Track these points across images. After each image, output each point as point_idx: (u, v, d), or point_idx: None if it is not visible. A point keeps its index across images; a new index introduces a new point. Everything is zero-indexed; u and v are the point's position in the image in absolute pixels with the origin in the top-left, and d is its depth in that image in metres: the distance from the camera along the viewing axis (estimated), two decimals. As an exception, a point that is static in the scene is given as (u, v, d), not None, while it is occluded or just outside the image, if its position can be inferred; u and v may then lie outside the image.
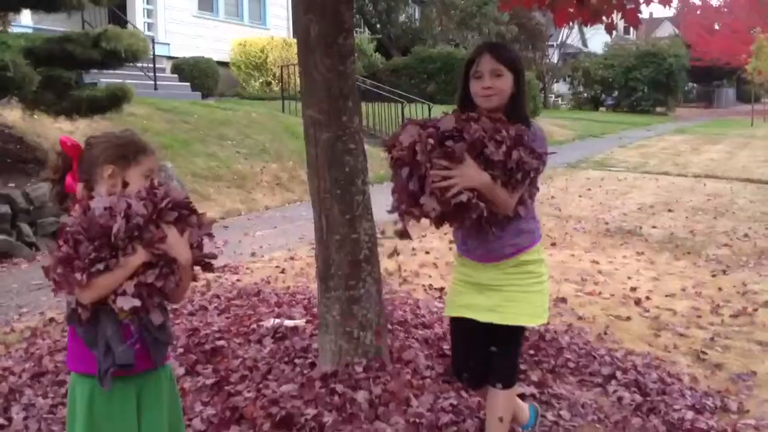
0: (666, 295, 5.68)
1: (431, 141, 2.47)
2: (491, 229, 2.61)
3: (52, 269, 2.06)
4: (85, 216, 2.04)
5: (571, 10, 3.58)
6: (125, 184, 2.18)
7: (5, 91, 7.64)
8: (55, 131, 9.62)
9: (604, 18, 3.67)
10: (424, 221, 2.60)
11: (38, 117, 8.99)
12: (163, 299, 2.17)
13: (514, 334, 2.78)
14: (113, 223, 2.03)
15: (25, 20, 13.32)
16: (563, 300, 5.37)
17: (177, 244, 2.12)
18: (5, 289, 5.82)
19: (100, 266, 2.02)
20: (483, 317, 2.73)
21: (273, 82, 18.65)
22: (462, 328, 2.86)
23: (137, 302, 2.06)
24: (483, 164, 2.47)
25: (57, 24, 13.02)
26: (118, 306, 2.05)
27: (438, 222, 2.60)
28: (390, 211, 2.63)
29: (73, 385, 2.25)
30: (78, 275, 2.01)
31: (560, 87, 41.58)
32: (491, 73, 2.65)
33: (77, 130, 9.73)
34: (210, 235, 2.23)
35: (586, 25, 3.80)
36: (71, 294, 2.07)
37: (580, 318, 5.00)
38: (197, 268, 2.24)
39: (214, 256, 2.26)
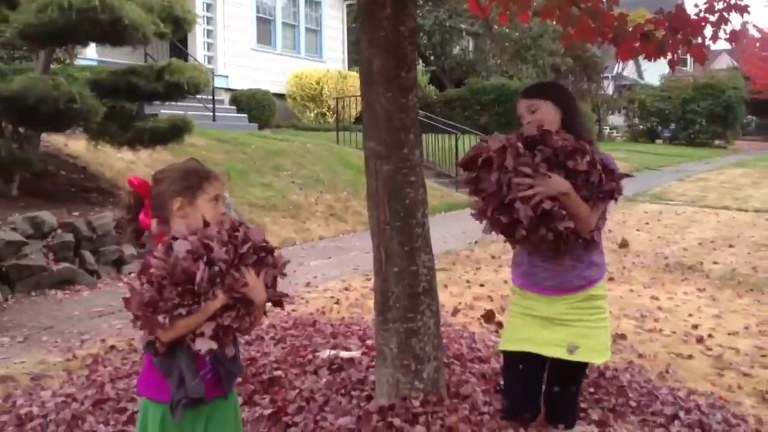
0: (729, 333, 5.52)
1: (520, 145, 2.50)
2: (567, 256, 2.58)
3: (134, 308, 2.10)
4: (168, 258, 2.08)
5: (636, 44, 3.55)
6: (206, 224, 2.20)
7: (72, 122, 7.88)
8: (117, 161, 9.89)
9: (668, 53, 3.63)
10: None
11: (102, 147, 9.25)
12: (235, 333, 2.21)
13: (579, 371, 2.73)
14: (196, 270, 2.07)
15: (90, 53, 13.78)
16: (623, 336, 5.26)
17: (255, 287, 2.16)
18: (68, 316, 5.95)
19: (183, 311, 2.07)
20: (549, 352, 2.68)
21: (328, 113, 18.89)
22: (521, 363, 2.82)
23: (214, 345, 2.10)
24: (565, 174, 2.48)
25: (120, 57, 13.45)
26: (196, 348, 2.10)
27: (520, 238, 2.55)
28: (474, 216, 2.60)
29: (145, 410, 2.30)
30: (161, 318, 2.06)
31: (615, 119, 41.13)
32: (527, 110, 2.72)
33: (139, 160, 9.99)
34: (283, 275, 2.27)
35: (649, 60, 3.76)
36: (152, 334, 2.11)
37: (640, 355, 4.89)
38: (269, 305, 2.28)
39: (286, 295, 2.32)
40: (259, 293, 2.17)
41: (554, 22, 4.07)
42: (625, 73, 39.32)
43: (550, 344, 2.69)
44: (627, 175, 2.66)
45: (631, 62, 37.84)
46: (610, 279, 7.24)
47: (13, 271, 6.41)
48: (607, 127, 38.14)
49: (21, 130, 8.10)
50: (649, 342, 5.23)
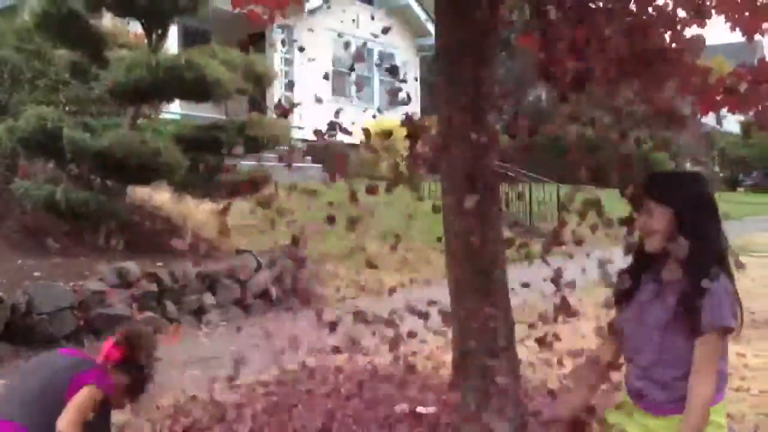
0: (824, 396, 5.26)
1: None
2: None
3: None
4: None
5: (718, 98, 3.50)
6: None
7: (157, 174, 8.20)
8: (198, 212, 10.17)
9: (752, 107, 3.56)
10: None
11: (184, 199, 9.55)
12: None
13: None
14: None
15: (174, 107, 14.27)
16: (708, 396, 5.06)
17: None
18: (150, 364, 6.08)
19: None
20: None
21: (401, 163, 19.02)
22: None
23: None
24: None
25: (202, 110, 13.88)
26: None
27: None
28: None
29: None
30: None
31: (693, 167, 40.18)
32: (645, 209, 2.35)
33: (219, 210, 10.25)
34: None
35: (733, 113, 3.69)
36: None
37: (727, 415, 4.69)
38: None
39: None
40: None
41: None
42: (703, 120, 38.41)
43: None
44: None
45: (709, 109, 36.98)
46: (694, 334, 7.00)
47: (99, 320, 6.62)
48: (686, 175, 37.18)
49: (108, 183, 8.45)
50: (737, 401, 5.02)
